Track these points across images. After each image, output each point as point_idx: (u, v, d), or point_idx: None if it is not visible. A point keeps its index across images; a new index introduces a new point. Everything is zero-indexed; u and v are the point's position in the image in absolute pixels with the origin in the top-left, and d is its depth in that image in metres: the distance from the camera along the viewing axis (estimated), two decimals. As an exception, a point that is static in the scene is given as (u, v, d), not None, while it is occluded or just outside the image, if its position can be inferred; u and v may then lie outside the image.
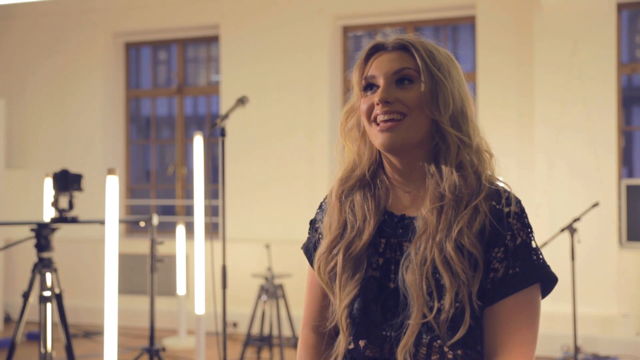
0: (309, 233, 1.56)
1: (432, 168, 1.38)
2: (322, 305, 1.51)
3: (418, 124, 1.37)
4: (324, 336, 1.52)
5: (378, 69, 1.39)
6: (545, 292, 1.37)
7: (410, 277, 1.34)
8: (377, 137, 1.38)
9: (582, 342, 5.15)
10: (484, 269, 1.33)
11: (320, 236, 1.49)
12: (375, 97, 1.38)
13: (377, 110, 1.37)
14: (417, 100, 1.36)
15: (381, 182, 1.45)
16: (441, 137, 1.38)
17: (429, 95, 1.36)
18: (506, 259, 1.33)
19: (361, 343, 1.39)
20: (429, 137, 1.39)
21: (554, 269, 1.40)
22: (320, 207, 1.54)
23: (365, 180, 1.45)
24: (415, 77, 1.38)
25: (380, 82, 1.39)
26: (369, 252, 1.41)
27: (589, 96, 5.40)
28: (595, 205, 4.67)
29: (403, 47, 1.40)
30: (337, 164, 1.54)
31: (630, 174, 6.54)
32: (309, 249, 1.54)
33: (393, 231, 1.41)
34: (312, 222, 1.55)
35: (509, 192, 1.38)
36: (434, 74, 1.37)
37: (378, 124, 1.38)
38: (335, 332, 1.47)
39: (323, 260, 1.44)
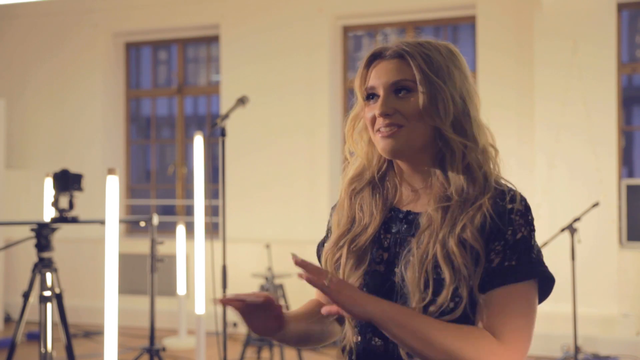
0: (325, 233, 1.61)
1: (438, 171, 1.40)
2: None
3: (418, 132, 1.39)
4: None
5: (377, 80, 1.42)
6: (544, 293, 1.38)
7: (410, 271, 1.36)
8: (379, 143, 1.42)
9: (583, 342, 5.16)
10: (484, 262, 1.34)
11: (329, 234, 1.54)
12: (376, 109, 1.41)
13: (379, 122, 1.40)
14: (416, 110, 1.38)
15: (390, 182, 1.49)
16: (444, 143, 1.39)
17: (428, 104, 1.38)
18: (503, 252, 1.33)
19: (367, 335, 1.42)
20: (432, 142, 1.40)
21: (554, 268, 1.40)
22: (333, 209, 1.57)
23: (375, 182, 1.49)
24: (413, 87, 1.39)
25: (380, 92, 1.41)
26: (373, 247, 1.44)
27: (589, 96, 5.40)
28: (596, 205, 4.67)
29: (401, 55, 1.41)
30: (337, 163, 1.58)
31: (630, 174, 6.54)
32: (319, 250, 1.59)
33: (398, 226, 1.44)
34: (328, 223, 1.59)
35: (514, 191, 1.38)
36: (432, 82, 1.37)
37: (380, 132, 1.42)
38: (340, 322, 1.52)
39: (330, 253, 1.48)
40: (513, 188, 1.39)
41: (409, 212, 1.43)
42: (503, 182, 1.40)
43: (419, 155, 1.41)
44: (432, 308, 1.32)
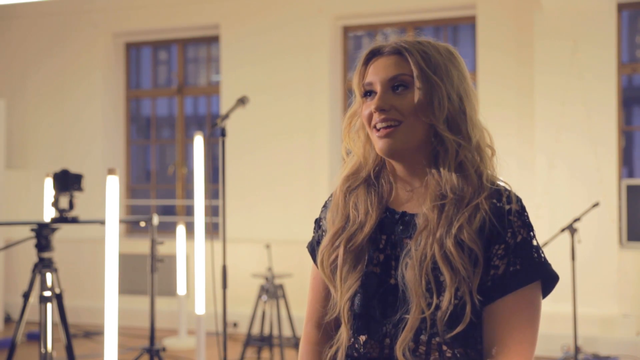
0: (314, 232, 1.58)
1: (433, 170, 1.40)
2: (325, 302, 1.52)
3: (415, 130, 1.39)
4: (327, 333, 1.53)
5: (375, 75, 1.42)
6: (547, 290, 1.38)
7: (410, 273, 1.35)
8: (377, 143, 1.41)
9: (583, 342, 5.15)
10: (484, 265, 1.34)
11: (323, 233, 1.52)
12: (372, 104, 1.40)
13: (375, 118, 1.40)
14: (412, 107, 1.38)
15: (385, 179, 1.48)
16: (439, 141, 1.39)
17: (424, 101, 1.38)
18: (507, 256, 1.34)
19: (361, 338, 1.41)
20: (427, 141, 1.40)
21: (555, 269, 1.40)
22: (325, 205, 1.56)
23: (370, 181, 1.48)
24: (411, 83, 1.39)
25: (377, 88, 1.41)
26: (369, 248, 1.42)
27: (589, 96, 5.40)
28: (596, 205, 4.67)
29: (399, 52, 1.41)
30: (337, 163, 1.56)
31: (630, 174, 6.54)
32: (313, 247, 1.56)
33: (393, 228, 1.43)
34: (317, 221, 1.57)
35: (509, 191, 1.39)
36: (429, 78, 1.38)
37: (378, 130, 1.41)
38: (336, 326, 1.49)
39: (326, 253, 1.46)
40: (508, 187, 1.40)
41: (404, 213, 1.43)
42: (497, 181, 1.41)
43: (415, 156, 1.41)
44: (439, 314, 1.32)
